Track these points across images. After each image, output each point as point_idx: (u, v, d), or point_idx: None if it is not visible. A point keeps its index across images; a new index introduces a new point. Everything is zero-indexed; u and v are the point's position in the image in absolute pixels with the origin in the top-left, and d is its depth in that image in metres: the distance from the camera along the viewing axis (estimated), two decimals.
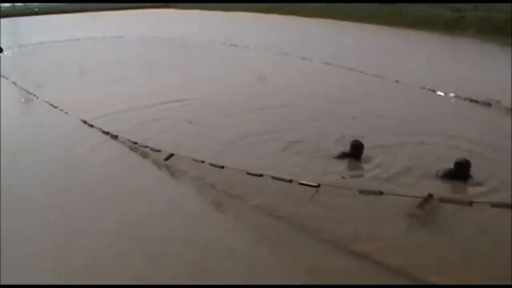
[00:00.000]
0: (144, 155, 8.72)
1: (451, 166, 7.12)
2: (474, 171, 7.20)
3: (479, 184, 6.97)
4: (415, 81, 14.69)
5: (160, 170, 8.18)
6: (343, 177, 7.62)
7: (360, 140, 8.36)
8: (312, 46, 23.47)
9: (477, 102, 12.58)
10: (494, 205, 4.88)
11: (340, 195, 6.36)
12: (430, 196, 4.92)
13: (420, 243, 5.48)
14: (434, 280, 4.71)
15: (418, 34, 27.66)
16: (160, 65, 19.25)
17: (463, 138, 9.39)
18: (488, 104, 12.26)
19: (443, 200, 5.01)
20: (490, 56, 21.24)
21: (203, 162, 7.55)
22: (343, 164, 8.18)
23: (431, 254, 5.21)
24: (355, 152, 8.18)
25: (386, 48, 23.60)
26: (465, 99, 12.98)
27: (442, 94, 13.78)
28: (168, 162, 8.09)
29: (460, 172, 6.93)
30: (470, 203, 4.70)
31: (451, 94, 13.52)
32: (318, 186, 5.96)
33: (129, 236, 5.87)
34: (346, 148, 8.41)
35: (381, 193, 5.50)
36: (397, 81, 15.25)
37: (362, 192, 5.80)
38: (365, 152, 8.25)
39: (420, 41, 25.97)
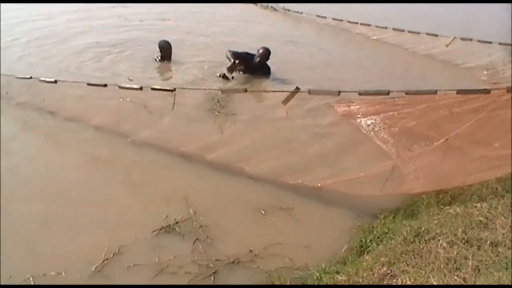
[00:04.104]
0: None
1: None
2: None
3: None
4: None
5: None
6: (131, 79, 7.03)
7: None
8: None
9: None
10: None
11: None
12: (297, 89, 4.67)
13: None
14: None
15: None
16: None
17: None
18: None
19: (312, 92, 4.60)
20: None
21: (30, 78, 5.88)
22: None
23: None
24: (166, 53, 8.01)
25: None
26: None
27: None
28: None
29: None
30: (338, 93, 4.59)
31: None
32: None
33: None
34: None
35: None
36: None
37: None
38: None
39: None
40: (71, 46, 8.69)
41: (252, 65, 7.46)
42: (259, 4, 13.98)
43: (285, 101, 4.71)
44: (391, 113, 5.75)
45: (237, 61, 7.34)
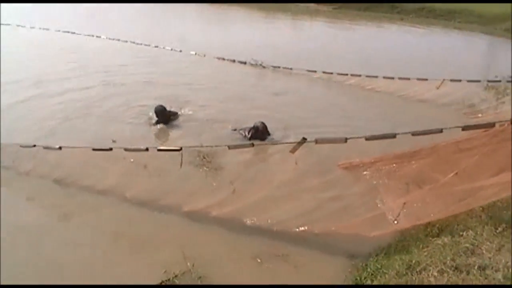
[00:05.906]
0: None
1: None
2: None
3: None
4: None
5: None
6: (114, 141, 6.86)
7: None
8: None
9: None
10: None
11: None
12: (304, 139, 4.70)
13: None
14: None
15: None
16: None
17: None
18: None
19: (319, 141, 4.66)
20: None
21: (34, 146, 5.99)
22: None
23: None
24: (164, 118, 8.15)
25: None
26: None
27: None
28: None
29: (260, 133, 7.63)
30: (345, 140, 4.59)
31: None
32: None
33: None
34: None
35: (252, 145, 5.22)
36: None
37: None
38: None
39: None
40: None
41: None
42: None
43: (293, 150, 4.74)
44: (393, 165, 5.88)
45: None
